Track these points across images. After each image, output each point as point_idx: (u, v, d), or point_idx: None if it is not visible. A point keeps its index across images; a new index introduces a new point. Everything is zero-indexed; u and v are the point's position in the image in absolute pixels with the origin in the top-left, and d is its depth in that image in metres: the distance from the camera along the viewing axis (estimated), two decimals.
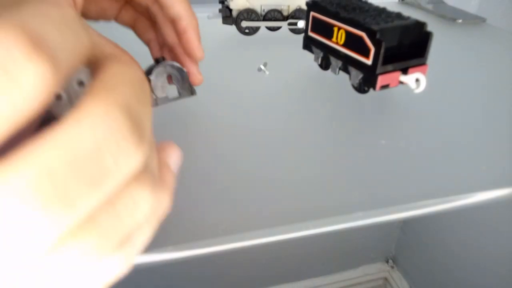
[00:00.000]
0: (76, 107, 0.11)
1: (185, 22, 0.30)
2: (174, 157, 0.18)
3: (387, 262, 1.07)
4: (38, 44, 0.10)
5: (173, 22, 0.30)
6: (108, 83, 0.12)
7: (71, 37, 0.12)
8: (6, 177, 0.10)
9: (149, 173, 0.14)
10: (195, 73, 0.31)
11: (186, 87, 0.32)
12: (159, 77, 0.30)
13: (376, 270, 1.07)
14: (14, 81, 0.10)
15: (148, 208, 0.13)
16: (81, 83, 0.16)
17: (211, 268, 0.91)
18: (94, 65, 0.14)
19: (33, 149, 0.10)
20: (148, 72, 0.29)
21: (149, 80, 0.27)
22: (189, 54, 0.31)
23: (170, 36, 0.31)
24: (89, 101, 0.12)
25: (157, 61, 0.30)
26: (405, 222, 1.00)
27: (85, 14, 0.29)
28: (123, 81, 0.13)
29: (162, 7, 0.30)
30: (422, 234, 0.96)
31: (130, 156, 0.12)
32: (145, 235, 0.15)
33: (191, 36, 0.30)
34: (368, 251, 1.04)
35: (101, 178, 0.11)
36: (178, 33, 0.30)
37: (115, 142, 0.11)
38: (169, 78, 0.31)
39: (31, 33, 0.10)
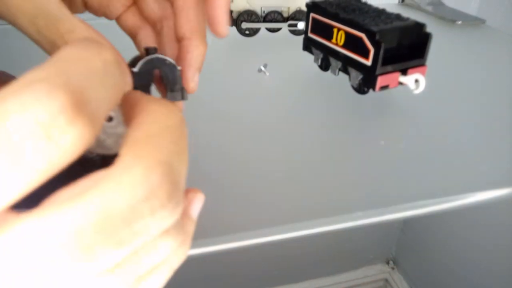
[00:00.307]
0: (115, 165, 0.11)
1: None
2: (197, 207, 0.17)
3: (388, 263, 1.07)
4: (81, 108, 0.10)
5: None
6: (148, 135, 0.12)
7: (113, 85, 0.12)
8: (38, 228, 0.10)
9: (175, 225, 0.14)
10: (189, 78, 0.24)
11: (177, 88, 0.25)
12: (144, 71, 0.24)
13: (376, 271, 1.07)
14: (53, 142, 0.10)
15: (167, 256, 0.14)
16: (109, 118, 0.15)
17: (210, 268, 0.91)
18: (124, 98, 0.14)
19: (67, 204, 0.11)
20: (132, 64, 0.23)
21: (132, 74, 0.23)
22: (211, 25, 0.24)
23: (182, 26, 0.24)
24: (129, 159, 0.11)
25: (148, 52, 0.24)
26: (406, 223, 1.00)
27: (86, 4, 0.26)
28: (164, 130, 0.13)
29: None
30: (423, 235, 0.96)
31: (163, 221, 0.12)
32: (160, 280, 0.15)
33: (219, 3, 0.23)
34: (369, 252, 1.04)
35: (129, 240, 0.11)
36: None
37: (151, 208, 0.11)
38: (158, 80, 0.25)
39: (75, 94, 0.10)
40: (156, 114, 0.13)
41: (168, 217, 0.12)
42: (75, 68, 0.11)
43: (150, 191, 0.11)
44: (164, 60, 0.24)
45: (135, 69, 0.23)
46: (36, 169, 0.10)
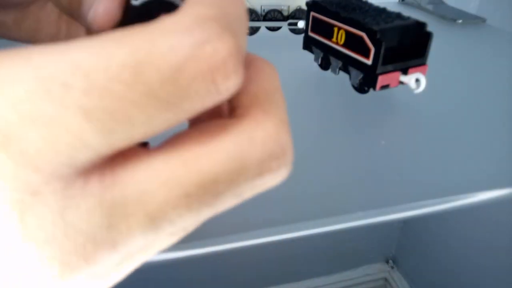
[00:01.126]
0: (243, 118, 0.11)
1: None
2: None
3: (387, 262, 1.07)
4: (241, 54, 0.10)
5: None
6: (267, 93, 0.12)
7: (245, 34, 0.12)
8: (173, 168, 0.10)
9: None
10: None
11: None
12: (144, 9, 0.17)
13: (376, 270, 1.07)
14: (215, 87, 0.10)
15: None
16: None
17: (210, 268, 0.91)
18: None
19: (203, 147, 0.10)
20: None
21: (129, 7, 0.17)
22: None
23: None
24: (259, 115, 0.12)
25: None
26: (405, 223, 1.00)
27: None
28: (276, 89, 0.13)
29: None
30: (423, 234, 0.96)
31: (277, 180, 0.13)
32: None
33: None
34: (368, 251, 1.04)
35: (248, 194, 0.12)
36: None
37: (277, 166, 0.12)
38: None
39: (237, 39, 0.10)
40: (267, 72, 0.13)
41: (282, 176, 0.13)
42: (230, 10, 0.11)
43: (281, 149, 0.12)
44: (172, 3, 0.19)
45: (135, 2, 0.18)
46: (189, 111, 0.10)
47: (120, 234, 0.10)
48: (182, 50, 0.09)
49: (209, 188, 0.10)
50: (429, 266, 0.93)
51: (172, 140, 0.11)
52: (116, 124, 0.09)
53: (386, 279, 1.08)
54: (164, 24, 0.10)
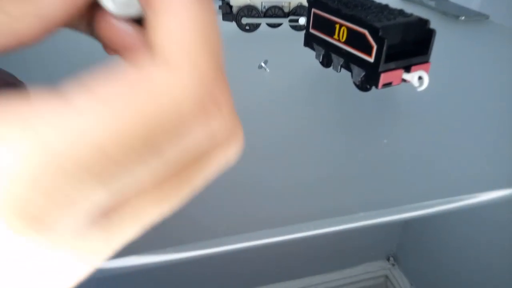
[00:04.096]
0: (153, 59, 0.10)
1: None
2: None
3: (388, 260, 1.07)
4: None
5: None
6: (187, 25, 0.11)
7: None
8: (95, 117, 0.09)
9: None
10: None
11: None
12: None
13: (377, 268, 1.07)
14: None
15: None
16: None
17: (210, 266, 0.91)
18: None
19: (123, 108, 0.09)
20: None
21: None
22: None
23: None
24: (177, 56, 0.11)
25: None
26: (406, 221, 1.00)
27: None
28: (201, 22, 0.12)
29: None
30: (423, 232, 0.95)
31: (235, 149, 0.12)
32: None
33: None
34: (369, 249, 1.04)
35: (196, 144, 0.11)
36: None
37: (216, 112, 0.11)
38: None
39: None
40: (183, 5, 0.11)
41: (236, 148, 0.12)
42: None
43: (208, 94, 0.11)
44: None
45: None
46: None
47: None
48: None
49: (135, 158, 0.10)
50: (430, 264, 0.93)
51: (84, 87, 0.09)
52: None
53: (387, 277, 1.08)
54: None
